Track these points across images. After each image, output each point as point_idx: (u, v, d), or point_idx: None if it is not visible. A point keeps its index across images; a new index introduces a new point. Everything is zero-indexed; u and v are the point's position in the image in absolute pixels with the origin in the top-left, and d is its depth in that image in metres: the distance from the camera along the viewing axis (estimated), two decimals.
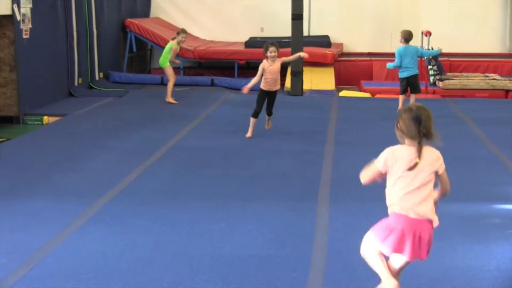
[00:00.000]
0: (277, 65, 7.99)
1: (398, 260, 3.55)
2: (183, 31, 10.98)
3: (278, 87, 8.18)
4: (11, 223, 5.09)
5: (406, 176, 3.41)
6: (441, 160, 3.53)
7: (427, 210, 3.44)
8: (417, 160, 3.40)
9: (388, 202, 3.51)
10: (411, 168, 3.40)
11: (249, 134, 8.16)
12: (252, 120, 8.17)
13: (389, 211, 3.52)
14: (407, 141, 3.46)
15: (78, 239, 4.79)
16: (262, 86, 8.08)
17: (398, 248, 3.44)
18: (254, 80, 8.00)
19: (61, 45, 11.11)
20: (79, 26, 11.69)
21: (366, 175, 3.54)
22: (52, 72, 10.72)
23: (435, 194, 3.55)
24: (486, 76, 12.83)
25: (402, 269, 3.59)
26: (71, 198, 5.76)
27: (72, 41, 11.42)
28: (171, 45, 10.76)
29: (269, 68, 7.94)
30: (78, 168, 6.80)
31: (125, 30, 14.19)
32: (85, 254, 4.49)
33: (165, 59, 10.75)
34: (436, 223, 3.48)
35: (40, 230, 4.94)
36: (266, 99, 8.12)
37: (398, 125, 3.47)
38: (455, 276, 4.18)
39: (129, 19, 14.24)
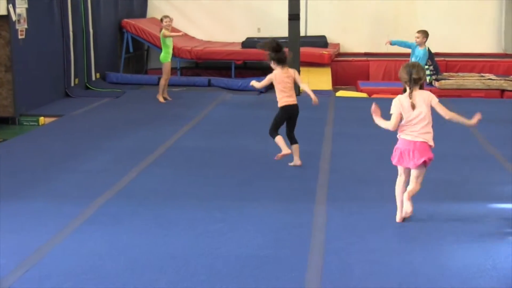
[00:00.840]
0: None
1: (408, 172, 5.08)
2: (165, 16, 11.05)
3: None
4: (8, 224, 5.09)
5: (407, 112, 4.95)
6: (431, 96, 5.01)
7: (423, 136, 4.95)
8: (410, 99, 4.94)
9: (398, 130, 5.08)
10: (413, 108, 4.94)
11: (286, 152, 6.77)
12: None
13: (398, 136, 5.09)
14: (406, 86, 5.01)
15: (76, 240, 4.79)
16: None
17: (399, 161, 5.04)
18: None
19: (57, 46, 11.10)
20: (75, 26, 11.67)
21: (392, 123, 4.99)
22: (48, 73, 10.71)
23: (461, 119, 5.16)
24: (482, 76, 12.84)
25: (417, 178, 5.04)
26: (68, 199, 5.76)
27: (68, 42, 11.41)
28: (161, 36, 10.86)
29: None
30: (75, 169, 6.79)
31: (121, 30, 14.18)
32: (82, 255, 4.50)
33: (166, 54, 10.80)
34: (430, 142, 5.00)
35: (37, 231, 4.94)
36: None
37: (399, 75, 5.03)
38: (452, 275, 4.19)
39: (125, 20, 14.22)
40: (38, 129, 9.11)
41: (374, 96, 11.92)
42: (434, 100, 4.98)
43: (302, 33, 13.29)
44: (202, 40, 15.62)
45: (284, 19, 12.19)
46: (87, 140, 8.14)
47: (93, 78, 12.56)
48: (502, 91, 12.26)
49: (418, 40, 9.25)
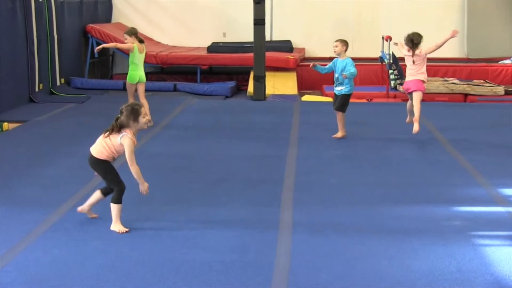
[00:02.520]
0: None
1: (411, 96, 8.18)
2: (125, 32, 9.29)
3: None
4: None
5: (408, 62, 8.04)
6: (423, 49, 7.92)
7: (418, 76, 8.02)
8: (412, 57, 7.95)
9: None
10: (413, 63, 7.98)
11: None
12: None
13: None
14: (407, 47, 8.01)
15: (40, 247, 4.73)
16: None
17: (407, 89, 8.17)
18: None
19: (21, 50, 10.95)
20: (39, 31, 11.54)
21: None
22: (12, 78, 10.56)
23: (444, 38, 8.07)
24: (445, 81, 13.03)
25: (417, 103, 8.03)
26: (32, 206, 5.68)
27: (32, 46, 11.27)
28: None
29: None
30: (40, 175, 6.71)
31: (86, 35, 14.06)
32: (46, 262, 4.44)
33: (130, 73, 9.16)
34: (425, 80, 8.10)
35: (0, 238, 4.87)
36: None
37: (404, 41, 8.03)
38: (417, 278, 4.24)
39: (90, 24, 14.11)
40: (1, 135, 8.97)
41: None
42: (425, 49, 7.92)
43: (267, 38, 13.34)
44: (167, 45, 15.58)
45: (249, 24, 12.24)
46: (52, 145, 8.05)
47: (58, 83, 12.43)
48: (465, 95, 12.48)
49: (337, 49, 8.34)
